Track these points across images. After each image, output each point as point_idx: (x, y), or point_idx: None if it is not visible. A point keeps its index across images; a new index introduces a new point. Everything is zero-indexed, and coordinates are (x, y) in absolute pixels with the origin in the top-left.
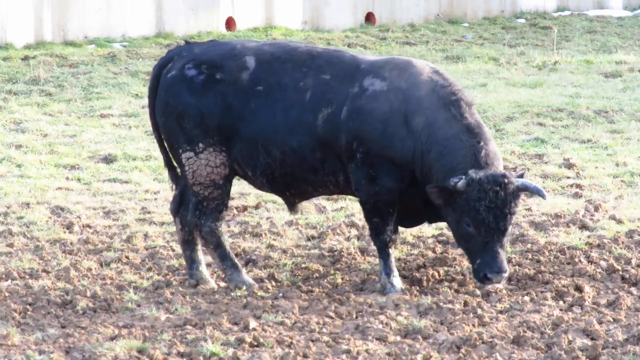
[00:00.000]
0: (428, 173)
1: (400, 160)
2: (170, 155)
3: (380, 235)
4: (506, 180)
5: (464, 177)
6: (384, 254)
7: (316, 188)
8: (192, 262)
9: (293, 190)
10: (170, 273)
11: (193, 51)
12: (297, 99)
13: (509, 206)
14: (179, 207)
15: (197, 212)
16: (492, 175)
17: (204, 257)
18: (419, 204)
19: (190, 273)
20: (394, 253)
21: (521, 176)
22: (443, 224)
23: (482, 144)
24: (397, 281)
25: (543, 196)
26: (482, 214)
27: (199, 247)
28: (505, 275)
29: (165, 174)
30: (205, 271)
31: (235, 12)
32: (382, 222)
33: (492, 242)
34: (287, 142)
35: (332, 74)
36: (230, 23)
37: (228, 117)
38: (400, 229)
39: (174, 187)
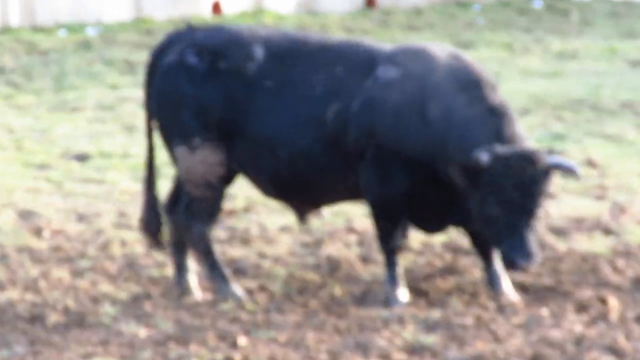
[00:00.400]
0: (450, 164)
1: (415, 156)
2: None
3: (388, 241)
4: (536, 156)
5: (488, 151)
6: (390, 262)
7: (326, 194)
8: (179, 269)
9: (302, 197)
10: (150, 284)
11: (195, 36)
12: (306, 96)
13: (538, 184)
14: (173, 204)
15: (187, 213)
16: (520, 149)
17: (193, 265)
18: (443, 205)
19: (176, 281)
20: (401, 261)
21: (552, 153)
22: (452, 230)
23: (506, 124)
24: (403, 293)
25: (578, 175)
26: (509, 192)
27: (190, 253)
28: (536, 261)
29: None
30: (192, 281)
31: None
32: (390, 226)
33: (520, 224)
34: (296, 143)
35: (345, 67)
36: (216, 7)
37: (230, 112)
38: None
39: (145, 193)
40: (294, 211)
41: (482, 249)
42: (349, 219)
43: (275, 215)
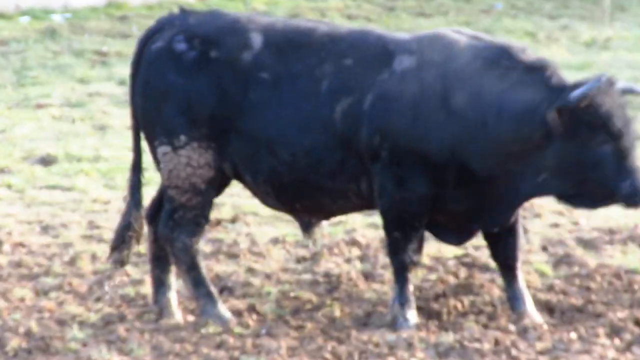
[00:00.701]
0: (494, 149)
1: (438, 155)
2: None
3: (399, 254)
4: (614, 79)
5: (581, 86)
6: (400, 279)
7: (334, 199)
8: (159, 285)
9: (306, 202)
10: (124, 304)
11: (187, 21)
12: (311, 90)
13: (627, 111)
14: (156, 213)
15: (171, 222)
16: (602, 77)
17: (175, 282)
18: (468, 209)
19: (155, 299)
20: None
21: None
22: (470, 242)
23: (553, 74)
24: (412, 314)
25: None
26: (616, 120)
27: (172, 268)
28: None
29: (117, 179)
30: (173, 300)
31: None
32: (404, 238)
33: (631, 156)
34: (298, 142)
35: (355, 58)
36: None
37: (223, 107)
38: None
39: (127, 197)
40: (298, 221)
41: (505, 262)
42: (349, 230)
43: (266, 227)
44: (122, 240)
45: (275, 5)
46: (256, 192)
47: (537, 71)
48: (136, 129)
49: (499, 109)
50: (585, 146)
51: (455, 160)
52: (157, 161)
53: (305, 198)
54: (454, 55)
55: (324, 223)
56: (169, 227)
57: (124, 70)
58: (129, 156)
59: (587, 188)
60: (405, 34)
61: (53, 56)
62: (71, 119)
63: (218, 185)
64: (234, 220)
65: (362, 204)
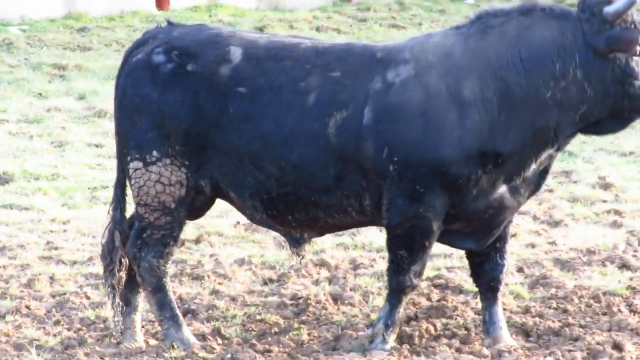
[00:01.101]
0: (530, 107)
1: (455, 160)
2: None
3: (401, 274)
4: None
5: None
6: (394, 300)
7: (331, 214)
8: (125, 305)
9: (298, 215)
10: (84, 327)
11: (171, 34)
12: (295, 103)
13: None
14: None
15: (139, 241)
16: None
17: (142, 303)
18: (495, 204)
19: (118, 319)
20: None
21: None
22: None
23: (552, 7)
24: (392, 338)
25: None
26: None
27: (140, 289)
28: None
29: (77, 197)
30: (138, 322)
31: None
32: (409, 257)
33: None
34: (284, 157)
35: (342, 70)
36: (162, 1)
37: (200, 123)
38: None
39: (110, 215)
40: (287, 236)
41: (490, 284)
42: (318, 251)
43: (231, 247)
44: (110, 261)
45: (242, 16)
46: (242, 208)
47: (538, 11)
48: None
49: (521, 63)
50: (622, 60)
51: (480, 153)
52: (129, 177)
53: (298, 212)
54: (448, 49)
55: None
56: (137, 246)
57: (84, 85)
58: (89, 174)
59: (625, 107)
60: (389, 43)
61: (10, 70)
62: (29, 135)
63: (200, 205)
64: (197, 241)
65: (365, 221)
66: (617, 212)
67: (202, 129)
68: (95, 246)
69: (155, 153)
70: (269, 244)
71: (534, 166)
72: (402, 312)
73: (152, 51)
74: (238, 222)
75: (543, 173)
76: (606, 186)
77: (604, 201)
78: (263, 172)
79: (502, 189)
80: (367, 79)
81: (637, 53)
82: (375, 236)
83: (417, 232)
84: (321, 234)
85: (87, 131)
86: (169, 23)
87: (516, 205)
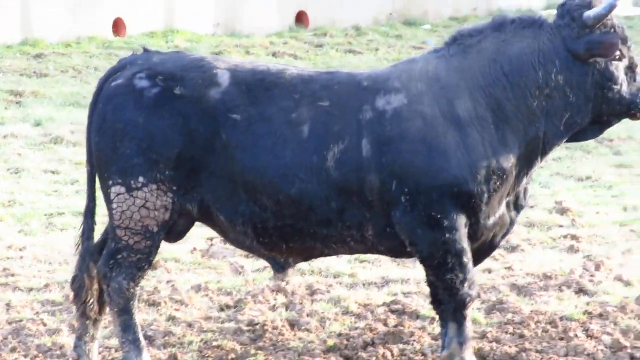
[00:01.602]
0: (523, 115)
1: (465, 179)
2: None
3: (457, 294)
4: None
5: (599, 1)
6: (459, 317)
7: (329, 245)
8: (84, 332)
9: (293, 244)
10: (40, 354)
11: (150, 60)
12: (290, 135)
13: None
14: (97, 254)
15: (112, 261)
16: None
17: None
18: (502, 216)
19: (76, 343)
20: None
21: None
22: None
23: (521, 17)
24: (470, 354)
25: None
26: (624, 32)
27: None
28: None
29: (33, 224)
30: (95, 348)
31: (125, 11)
32: (458, 277)
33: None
34: (283, 190)
35: (330, 99)
36: (118, 26)
37: (192, 146)
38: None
39: (79, 245)
40: (270, 262)
41: (444, 306)
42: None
43: (187, 273)
44: (79, 288)
45: (198, 42)
46: (228, 232)
47: (509, 24)
48: (91, 173)
49: (505, 77)
50: (602, 65)
51: (487, 171)
52: (108, 200)
53: (293, 242)
54: (435, 72)
55: (248, 269)
56: (109, 266)
57: (40, 111)
58: (45, 200)
59: (604, 111)
60: (371, 71)
61: None
62: None
63: (182, 228)
64: (154, 267)
65: (363, 249)
66: (574, 237)
67: (195, 152)
68: (52, 272)
69: (141, 179)
70: (225, 270)
71: (525, 180)
72: (353, 336)
73: (134, 76)
74: (194, 248)
75: (525, 190)
76: (563, 211)
77: (561, 226)
78: (258, 203)
79: (503, 206)
80: (356, 108)
81: (617, 58)
82: (331, 262)
83: (451, 255)
84: (307, 260)
85: (43, 158)
86: (145, 50)
87: (510, 222)
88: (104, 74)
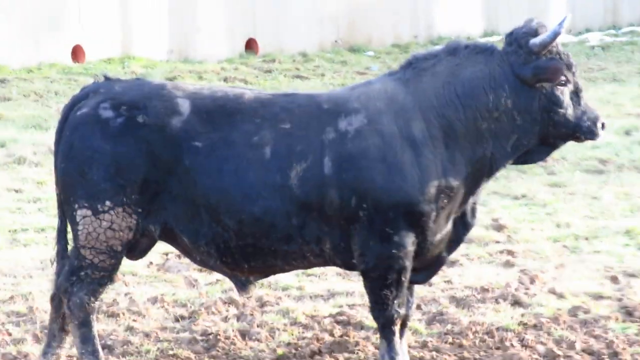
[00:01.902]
0: (472, 138)
1: (419, 198)
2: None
3: (387, 310)
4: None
5: (545, 30)
6: (388, 334)
7: (289, 262)
8: (52, 339)
9: (254, 263)
10: None
11: (113, 89)
12: (253, 157)
13: None
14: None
15: (74, 277)
16: (562, 21)
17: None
18: (441, 246)
19: (45, 351)
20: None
21: None
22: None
23: (476, 44)
24: None
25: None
26: (570, 58)
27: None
28: None
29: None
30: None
31: (83, 39)
32: (392, 294)
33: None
34: (246, 210)
35: (292, 121)
36: (77, 53)
37: (156, 171)
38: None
39: (54, 262)
40: (234, 281)
41: (404, 321)
42: (226, 290)
43: (144, 286)
44: (59, 304)
45: (153, 68)
46: (193, 253)
47: (463, 49)
48: (60, 197)
49: (458, 99)
50: (548, 89)
51: (437, 189)
52: (73, 222)
53: (255, 260)
54: (391, 93)
55: (201, 282)
56: (71, 281)
57: (4, 133)
58: (9, 217)
59: (550, 134)
60: (331, 90)
61: None
62: None
63: (145, 247)
64: (112, 281)
65: (320, 262)
66: (510, 252)
67: (158, 177)
68: (16, 285)
69: (108, 203)
70: (180, 283)
71: (471, 199)
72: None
73: (98, 106)
74: (151, 263)
75: (474, 204)
76: (499, 228)
77: (497, 242)
78: (221, 224)
79: (450, 223)
80: (318, 129)
81: (562, 83)
82: (280, 276)
83: (393, 271)
84: (267, 276)
85: (7, 177)
86: (106, 78)
87: (457, 239)
88: (67, 101)
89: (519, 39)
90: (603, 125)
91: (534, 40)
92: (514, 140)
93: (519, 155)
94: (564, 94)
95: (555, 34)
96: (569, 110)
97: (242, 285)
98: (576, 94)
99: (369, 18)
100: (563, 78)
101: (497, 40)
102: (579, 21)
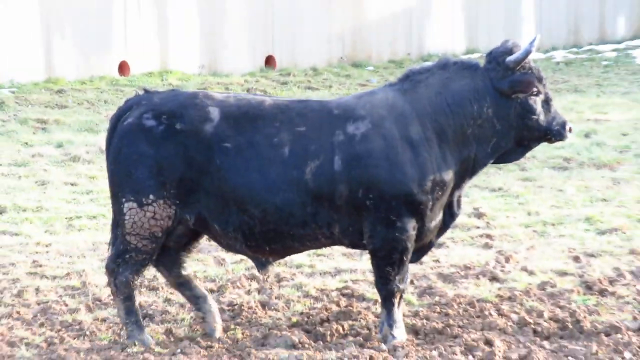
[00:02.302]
0: (460, 142)
1: (417, 190)
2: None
3: (388, 284)
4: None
5: (519, 49)
6: (388, 304)
7: (304, 243)
8: (197, 299)
9: (275, 246)
10: (63, 329)
11: (152, 100)
12: (274, 156)
13: None
14: (160, 257)
15: (120, 259)
16: (534, 40)
17: (206, 291)
18: (434, 231)
19: (198, 307)
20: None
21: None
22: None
23: (461, 60)
24: (400, 332)
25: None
26: (543, 76)
27: (195, 282)
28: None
29: (56, 225)
30: (213, 304)
31: (128, 56)
32: (393, 271)
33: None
34: (269, 201)
35: (306, 125)
36: (123, 67)
37: (191, 171)
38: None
39: (110, 250)
40: (255, 262)
41: (379, 294)
42: (249, 267)
43: None
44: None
45: (187, 80)
46: (221, 238)
47: (452, 65)
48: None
49: (448, 107)
50: (524, 101)
51: (433, 183)
52: (120, 213)
53: (276, 243)
54: (392, 102)
55: (228, 261)
56: (117, 263)
57: (61, 136)
58: (66, 207)
59: (525, 137)
60: (339, 98)
61: (2, 124)
62: (17, 176)
63: (182, 233)
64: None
65: (329, 243)
66: (488, 236)
67: (193, 176)
68: (72, 264)
69: (151, 196)
70: (210, 262)
71: (457, 192)
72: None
73: (142, 116)
74: None
75: (460, 197)
76: (479, 215)
77: (478, 227)
78: (247, 213)
79: (441, 212)
80: (329, 132)
81: (534, 93)
82: (294, 256)
83: (397, 251)
84: (284, 257)
85: (64, 173)
86: (146, 90)
87: (444, 225)
88: (114, 112)
89: (497, 57)
90: (570, 129)
91: (510, 58)
92: (494, 143)
93: (497, 155)
94: (537, 102)
95: (527, 52)
96: (541, 117)
97: (262, 266)
98: (547, 102)
99: (369, 38)
100: (535, 89)
101: (478, 57)
102: (546, 41)
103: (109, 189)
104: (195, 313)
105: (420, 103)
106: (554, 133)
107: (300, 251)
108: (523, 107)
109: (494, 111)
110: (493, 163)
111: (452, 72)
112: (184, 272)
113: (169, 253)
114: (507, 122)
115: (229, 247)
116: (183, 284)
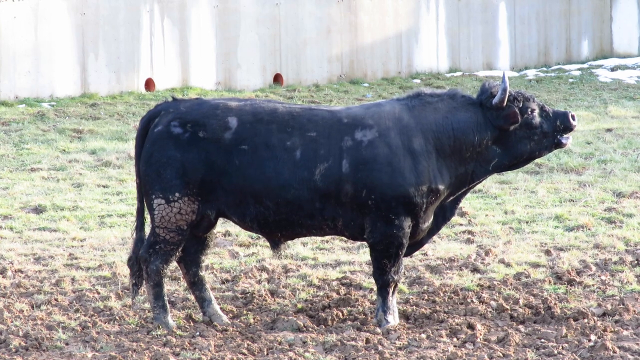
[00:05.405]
0: (457, 160)
1: (414, 194)
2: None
3: (385, 275)
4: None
5: (497, 88)
6: (383, 293)
7: (310, 230)
8: (203, 301)
9: (285, 232)
10: (95, 314)
11: (179, 108)
12: (287, 158)
13: None
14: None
15: (151, 250)
16: (504, 77)
17: (212, 295)
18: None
19: (203, 311)
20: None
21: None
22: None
23: (464, 95)
24: (393, 318)
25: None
26: (530, 95)
27: (207, 285)
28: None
29: (90, 223)
30: (216, 307)
31: (154, 73)
32: (390, 263)
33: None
34: (281, 195)
35: (317, 131)
36: (149, 84)
37: (211, 173)
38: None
39: (134, 234)
40: (269, 241)
41: (375, 283)
42: (260, 260)
43: None
44: (135, 265)
45: (205, 95)
46: (241, 225)
47: (460, 97)
48: (139, 185)
49: (453, 131)
50: (524, 122)
51: (428, 189)
52: (151, 208)
53: (286, 230)
54: (398, 115)
55: (241, 254)
56: (149, 253)
57: (95, 144)
58: (99, 206)
59: (535, 149)
60: (348, 107)
61: (42, 133)
62: (56, 179)
63: (206, 225)
64: None
65: (333, 233)
66: (470, 232)
67: (213, 176)
68: (103, 257)
69: (177, 194)
70: (225, 255)
71: (452, 199)
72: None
73: (170, 124)
74: None
75: (456, 203)
76: (462, 214)
77: (461, 224)
78: (262, 205)
79: (433, 216)
80: (338, 138)
81: (530, 113)
82: (300, 249)
83: (393, 246)
84: (292, 239)
85: (97, 176)
86: (174, 99)
87: (436, 226)
88: (143, 115)
89: (485, 102)
90: (573, 117)
91: (494, 100)
92: (495, 163)
93: (503, 170)
94: (534, 118)
95: (505, 89)
96: (544, 126)
97: (276, 246)
98: (543, 110)
99: (364, 59)
100: (529, 109)
101: (459, 75)
102: (520, 61)
103: (137, 182)
104: (203, 315)
105: (426, 120)
106: (560, 129)
107: (307, 236)
108: (525, 128)
109: (495, 142)
110: (508, 170)
111: (459, 104)
112: (200, 273)
113: (190, 252)
114: (507, 147)
115: (249, 230)
116: (196, 284)
